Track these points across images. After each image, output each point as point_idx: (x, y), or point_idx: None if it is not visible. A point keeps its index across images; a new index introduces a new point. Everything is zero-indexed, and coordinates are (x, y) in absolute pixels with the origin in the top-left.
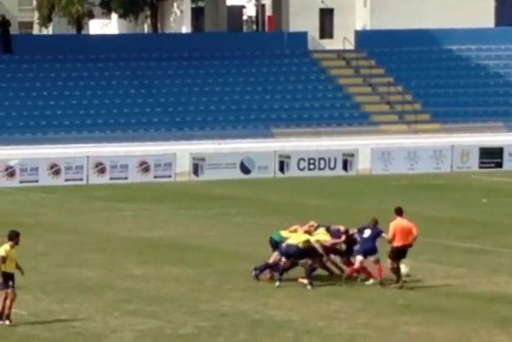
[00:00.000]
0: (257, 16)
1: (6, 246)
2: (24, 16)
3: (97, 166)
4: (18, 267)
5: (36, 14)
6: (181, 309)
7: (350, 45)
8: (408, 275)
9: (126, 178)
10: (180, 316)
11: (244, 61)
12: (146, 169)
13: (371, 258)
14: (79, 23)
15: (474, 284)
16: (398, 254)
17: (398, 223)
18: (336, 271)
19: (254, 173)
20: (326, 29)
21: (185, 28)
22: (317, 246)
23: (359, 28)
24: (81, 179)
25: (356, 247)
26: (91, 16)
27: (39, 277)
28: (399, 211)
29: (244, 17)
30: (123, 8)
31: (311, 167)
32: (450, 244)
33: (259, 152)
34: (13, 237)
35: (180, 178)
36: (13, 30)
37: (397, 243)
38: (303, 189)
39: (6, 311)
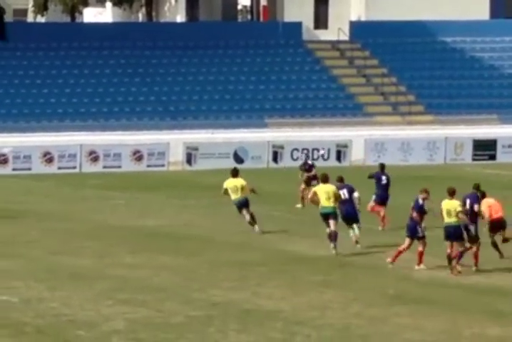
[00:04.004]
0: (251, 6)
1: None
2: (19, 4)
3: (90, 154)
4: None
5: (31, 2)
6: (173, 298)
7: (345, 36)
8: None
9: (119, 167)
10: (172, 305)
11: (239, 51)
12: (139, 158)
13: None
14: (73, 11)
15: (465, 276)
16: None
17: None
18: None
19: (247, 163)
20: (320, 19)
21: (180, 17)
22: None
23: (353, 18)
24: (74, 168)
25: None
26: (86, 4)
27: (30, 264)
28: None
29: (239, 6)
30: None
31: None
32: (441, 236)
33: (252, 142)
34: None
35: (173, 167)
36: (8, 17)
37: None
38: (296, 180)
39: None
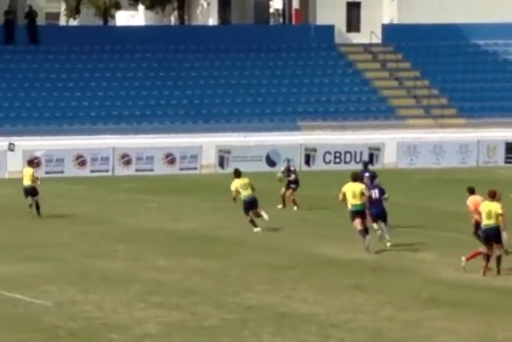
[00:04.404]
0: (283, 9)
1: None
2: (51, 7)
3: (123, 157)
4: None
5: (63, 5)
6: (206, 301)
7: (377, 39)
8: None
9: (152, 170)
10: (205, 308)
11: (271, 54)
12: (172, 161)
13: None
14: (106, 14)
15: (498, 278)
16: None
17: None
18: None
19: (280, 166)
20: (353, 22)
21: (212, 21)
22: None
23: (386, 21)
24: (107, 171)
25: None
26: (118, 7)
27: (63, 268)
28: (472, 191)
29: (271, 10)
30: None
31: (337, 160)
32: (472, 238)
33: (285, 145)
34: None
35: (206, 170)
36: (40, 21)
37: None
38: (328, 183)
39: None
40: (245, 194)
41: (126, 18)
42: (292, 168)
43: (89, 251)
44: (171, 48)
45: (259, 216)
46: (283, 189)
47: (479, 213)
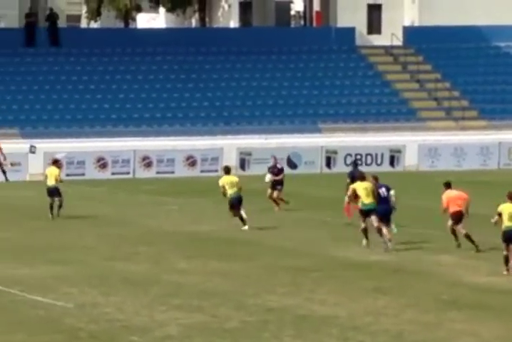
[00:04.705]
0: (304, 11)
1: None
2: (72, 10)
3: (144, 160)
4: None
5: (84, 8)
6: (227, 304)
7: (398, 41)
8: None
9: (173, 172)
10: (226, 311)
11: (292, 56)
12: (193, 164)
13: None
14: (127, 17)
15: None
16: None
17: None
18: None
19: (300, 168)
20: (374, 25)
21: (233, 23)
22: None
23: (407, 24)
24: (128, 173)
25: None
26: (139, 9)
27: (85, 270)
28: (448, 185)
29: (292, 12)
30: (171, 2)
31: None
32: (495, 242)
33: (306, 147)
34: None
35: None
36: (61, 23)
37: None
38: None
39: None
40: (231, 192)
41: (147, 20)
42: (279, 166)
43: (110, 253)
44: (192, 50)
45: (238, 215)
46: (269, 190)
47: (461, 205)
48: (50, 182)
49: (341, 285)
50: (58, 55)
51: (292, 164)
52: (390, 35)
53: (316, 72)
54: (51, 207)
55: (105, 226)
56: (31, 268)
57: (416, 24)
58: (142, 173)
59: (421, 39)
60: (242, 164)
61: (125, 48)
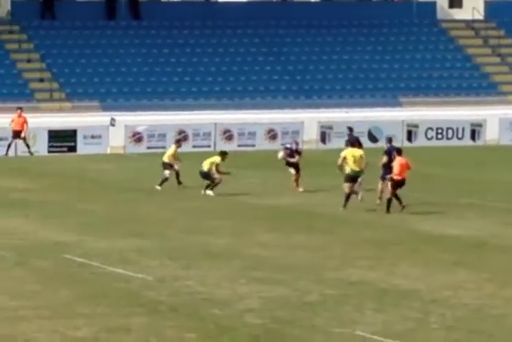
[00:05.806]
0: None
1: None
2: None
3: (225, 133)
4: None
5: None
6: (308, 277)
7: (479, 15)
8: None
9: (253, 145)
10: (307, 284)
11: (373, 30)
12: (274, 137)
13: None
14: None
15: None
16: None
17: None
18: None
19: (381, 142)
20: None
21: None
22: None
23: None
24: (209, 146)
25: None
26: None
27: (165, 243)
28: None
29: None
30: None
31: (439, 136)
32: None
33: (386, 121)
34: None
35: (308, 146)
36: None
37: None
38: (430, 159)
39: None
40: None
41: None
42: (295, 147)
43: (190, 226)
44: (273, 23)
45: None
46: (292, 172)
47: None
48: (164, 158)
49: (421, 259)
50: (139, 28)
51: (373, 138)
52: (471, 9)
53: (397, 46)
54: (165, 179)
55: (184, 199)
56: (111, 241)
57: None
58: (223, 146)
59: (502, 13)
60: (323, 138)
61: (205, 21)
